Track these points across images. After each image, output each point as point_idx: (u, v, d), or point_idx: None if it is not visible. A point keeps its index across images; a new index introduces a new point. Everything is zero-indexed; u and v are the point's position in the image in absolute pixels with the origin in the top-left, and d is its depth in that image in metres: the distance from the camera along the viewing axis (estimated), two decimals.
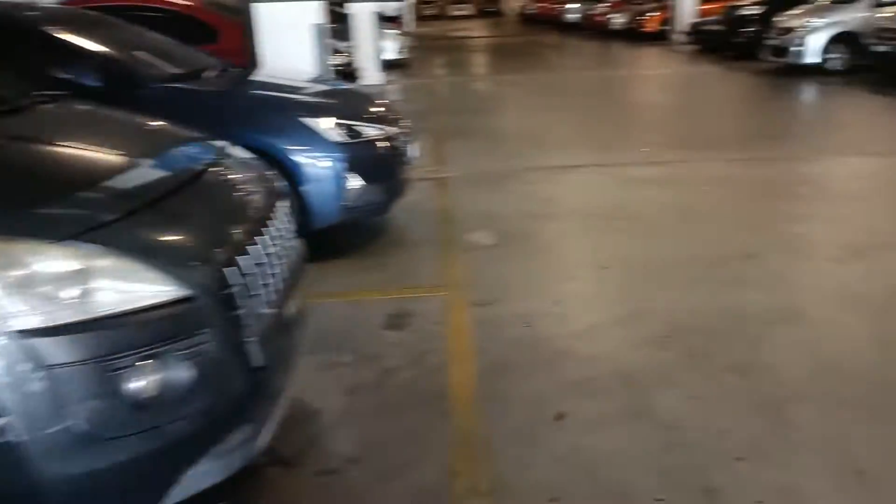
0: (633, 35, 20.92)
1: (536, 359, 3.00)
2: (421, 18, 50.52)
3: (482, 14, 54.10)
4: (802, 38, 11.45)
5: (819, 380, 2.75)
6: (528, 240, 4.47)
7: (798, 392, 2.67)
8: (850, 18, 11.22)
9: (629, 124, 8.53)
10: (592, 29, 24.90)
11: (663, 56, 16.66)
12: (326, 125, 4.08)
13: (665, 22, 19.60)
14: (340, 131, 4.09)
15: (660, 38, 19.64)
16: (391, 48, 15.43)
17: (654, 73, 14.04)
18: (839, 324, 3.20)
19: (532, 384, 2.80)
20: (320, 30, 6.58)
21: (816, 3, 12.24)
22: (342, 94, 5.06)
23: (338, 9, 15.69)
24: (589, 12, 26.04)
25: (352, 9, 13.02)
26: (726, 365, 2.88)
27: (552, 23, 31.20)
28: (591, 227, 4.73)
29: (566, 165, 6.28)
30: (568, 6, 29.45)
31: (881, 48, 10.02)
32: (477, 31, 33.50)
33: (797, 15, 11.89)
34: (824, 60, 11.41)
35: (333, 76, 7.11)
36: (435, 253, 4.32)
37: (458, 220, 4.93)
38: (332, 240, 4.21)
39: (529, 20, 36.94)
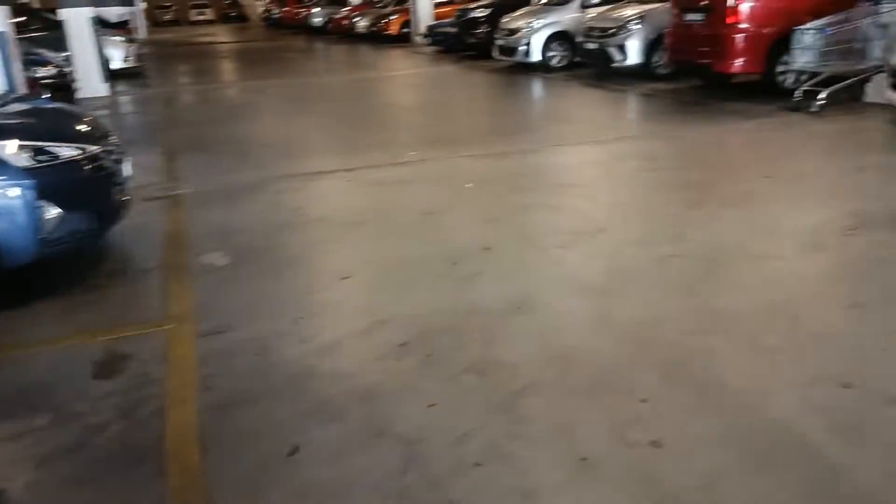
0: (378, 37, 21.26)
1: (271, 387, 2.77)
2: (158, 24, 47.48)
3: (225, 19, 52.12)
4: (526, 37, 12.30)
5: (549, 369, 2.82)
6: (268, 255, 4.20)
7: (531, 384, 2.71)
8: (564, 19, 12.25)
9: (377, 126, 8.52)
10: (338, 32, 24.94)
11: (407, 57, 17.08)
12: (8, 149, 3.50)
13: (406, 24, 20.15)
14: (27, 154, 3.53)
15: (403, 39, 20.16)
16: (118, 56, 14.16)
17: (398, 75, 14.29)
18: (566, 310, 3.33)
19: (264, 417, 2.56)
20: (2, 39, 5.73)
21: (535, 6, 13.21)
22: (32, 112, 4.40)
23: (50, 15, 14.11)
24: (334, 16, 26.04)
25: (64, 15, 11.70)
26: (465, 365, 2.86)
27: (298, 27, 30.82)
28: (336, 235, 4.57)
29: (316, 172, 6.08)
30: (313, 10, 29.24)
31: (590, 45, 11.04)
32: (220, 36, 32.12)
33: (519, 16, 12.74)
34: (548, 58, 12.36)
35: (26, 91, 6.24)
36: (161, 281, 3.89)
37: (190, 241, 4.52)
38: (38, 277, 3.63)
39: (275, 25, 36.16)
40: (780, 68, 8.35)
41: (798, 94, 7.55)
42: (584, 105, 9.50)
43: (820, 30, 7.17)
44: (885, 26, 7.23)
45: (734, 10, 8.19)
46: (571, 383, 2.71)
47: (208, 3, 53.20)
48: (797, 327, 3.04)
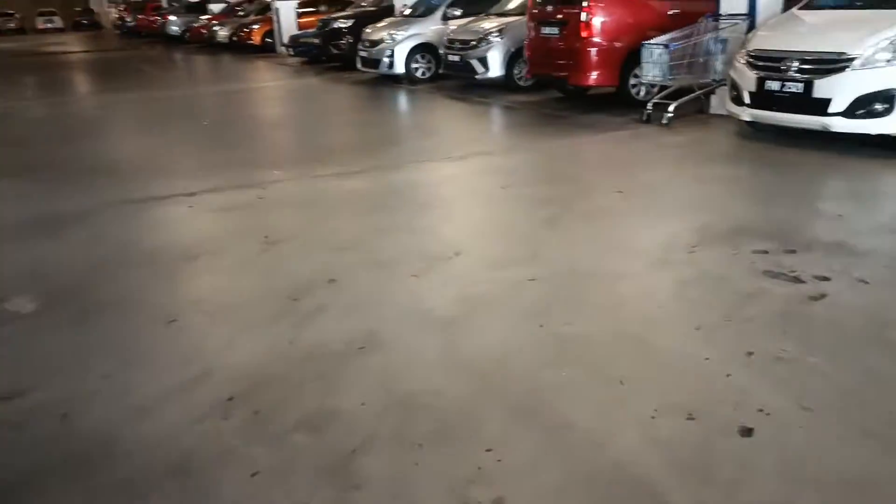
0: (240, 47, 20.50)
1: (65, 463, 2.38)
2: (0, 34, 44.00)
3: (76, 27, 48.97)
4: (389, 49, 12.13)
5: (390, 418, 2.59)
6: (84, 298, 3.74)
7: (369, 439, 2.46)
8: (426, 31, 12.17)
9: (231, 144, 8.04)
10: (198, 42, 23.90)
11: (269, 69, 16.50)
12: None
13: (269, 34, 19.53)
14: None
15: (266, 49, 19.52)
16: None
17: (259, 87, 13.74)
18: (413, 347, 3.12)
19: (60, 502, 2.18)
20: None
21: (397, 17, 13.07)
22: None
23: None
24: (192, 24, 24.93)
25: None
26: (297, 420, 2.58)
27: (155, 36, 29.32)
28: (166, 271, 4.15)
29: (155, 198, 5.58)
30: (171, 18, 27.90)
31: (453, 58, 11.01)
32: (71, 45, 30.06)
33: (382, 28, 12.55)
34: (412, 70, 12.24)
35: None
36: None
37: None
38: None
39: (129, 33, 34.22)
40: (632, 81, 8.60)
41: (649, 106, 7.77)
42: (447, 118, 9.41)
43: (665, 45, 7.40)
44: (724, 41, 7.57)
45: (587, 24, 8.35)
46: (413, 434, 2.49)
47: (56, 11, 49.82)
48: (645, 353, 2.97)
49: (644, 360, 2.93)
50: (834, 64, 5.76)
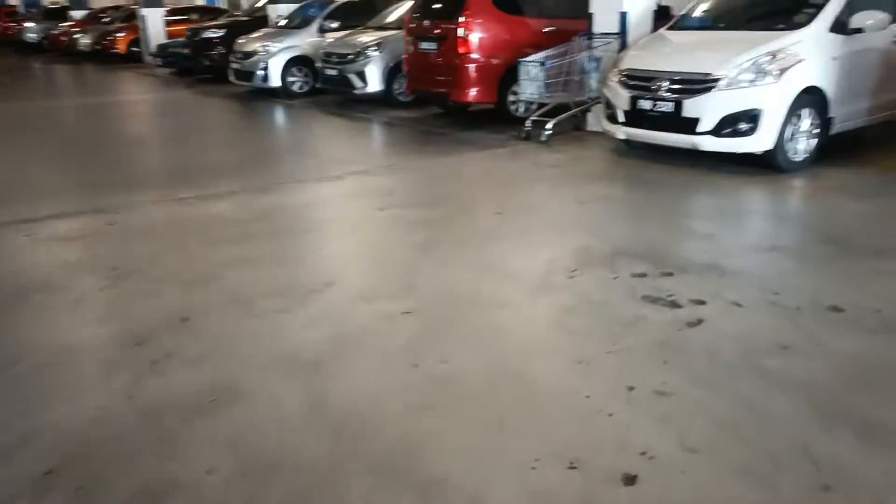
0: (104, 57, 19.29)
1: None
2: None
3: None
4: (263, 61, 11.65)
5: (240, 486, 2.26)
6: None
7: None
8: (303, 43, 11.78)
9: (87, 164, 7.37)
10: (57, 50, 22.35)
11: (136, 80, 15.55)
12: None
13: (135, 43, 18.48)
14: None
15: (133, 59, 18.45)
16: None
17: (124, 100, 12.87)
18: (274, 397, 2.80)
19: None
20: None
21: (271, 28, 12.60)
22: None
23: None
24: (51, 32, 23.29)
25: None
26: (128, 496, 2.21)
27: (9, 43, 27.21)
28: None
29: None
30: (27, 25, 25.98)
31: (330, 72, 10.69)
32: None
33: (255, 39, 12.05)
34: (288, 83, 11.81)
35: None
36: None
37: None
38: None
39: None
40: (511, 98, 8.58)
41: (528, 123, 7.75)
42: (324, 135, 9.07)
43: (541, 62, 7.41)
44: (598, 60, 7.67)
45: (465, 40, 8.26)
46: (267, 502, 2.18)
47: None
48: (525, 392, 2.79)
49: (524, 400, 2.74)
50: (701, 84, 5.89)
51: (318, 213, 5.50)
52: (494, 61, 8.38)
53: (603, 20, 7.79)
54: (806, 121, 5.93)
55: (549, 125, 7.48)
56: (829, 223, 4.81)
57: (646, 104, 6.23)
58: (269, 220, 5.24)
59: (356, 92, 10.32)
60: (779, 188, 5.62)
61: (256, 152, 7.95)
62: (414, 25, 9.06)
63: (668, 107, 6.07)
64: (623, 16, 7.60)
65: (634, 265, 4.02)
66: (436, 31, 8.65)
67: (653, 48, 6.75)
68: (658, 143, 6.32)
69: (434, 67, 8.74)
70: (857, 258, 4.10)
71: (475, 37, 8.26)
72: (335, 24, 11.76)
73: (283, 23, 12.70)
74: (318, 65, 11.06)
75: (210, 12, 19.94)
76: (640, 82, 6.30)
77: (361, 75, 10.22)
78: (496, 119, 8.70)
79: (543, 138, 7.46)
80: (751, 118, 5.74)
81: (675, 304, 3.51)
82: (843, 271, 3.93)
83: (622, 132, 6.55)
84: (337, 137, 8.81)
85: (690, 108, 5.93)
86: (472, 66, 8.32)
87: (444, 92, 8.67)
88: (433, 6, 8.99)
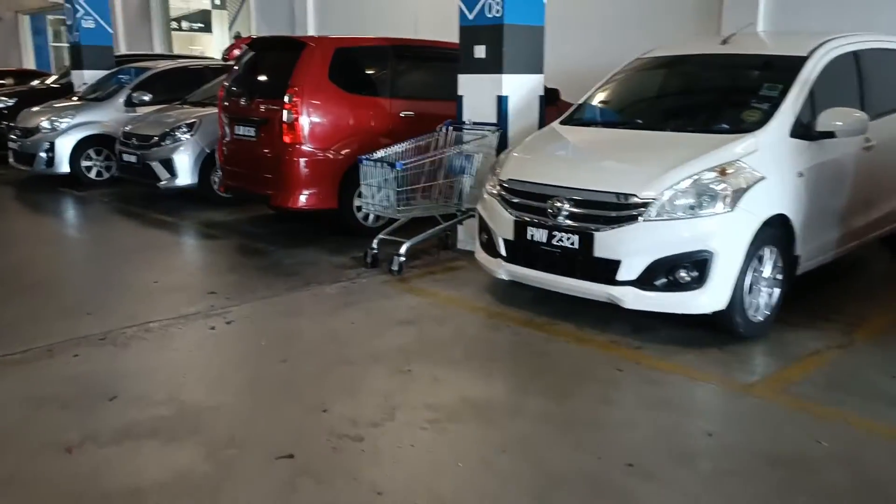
0: None
1: None
2: None
3: None
4: (48, 141, 8.99)
5: None
6: None
7: None
8: (104, 118, 9.22)
9: None
10: None
11: None
12: None
13: None
14: None
15: None
16: None
17: None
18: None
19: None
20: None
21: (66, 100, 9.96)
22: None
23: None
24: None
25: None
26: None
27: None
28: None
29: None
30: None
31: (128, 157, 8.18)
32: None
33: (41, 112, 9.38)
34: (83, 169, 9.18)
35: None
36: None
37: None
38: None
39: None
40: (358, 202, 6.39)
41: (375, 244, 5.56)
42: (87, 254, 6.49)
43: (391, 163, 5.27)
44: (470, 158, 5.65)
45: (291, 126, 6.05)
46: None
47: None
48: None
49: None
50: (619, 210, 3.91)
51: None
52: (333, 155, 6.20)
53: (475, 105, 5.81)
54: (768, 264, 4.05)
55: (403, 249, 5.32)
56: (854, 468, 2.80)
57: (539, 234, 4.18)
58: None
59: (161, 186, 7.85)
60: (745, 384, 3.64)
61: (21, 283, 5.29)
62: (229, 104, 6.79)
63: (571, 241, 4.04)
64: (502, 101, 5.65)
65: None
66: (255, 113, 6.42)
67: (545, 150, 4.78)
68: (560, 290, 4.26)
69: (253, 161, 6.47)
70: None
71: (306, 121, 6.07)
72: (147, 97, 9.29)
73: (80, 93, 10.11)
74: (118, 148, 8.51)
75: (34, 76, 16.86)
76: (529, 201, 4.27)
77: (168, 164, 7.78)
78: (339, 226, 6.48)
79: (395, 267, 5.28)
80: (696, 264, 3.79)
81: None
82: None
83: (504, 271, 4.46)
84: (105, 257, 6.18)
85: (605, 244, 3.93)
86: (301, 161, 6.10)
87: (265, 194, 6.37)
88: (253, 79, 6.79)
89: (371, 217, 6.35)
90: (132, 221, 7.47)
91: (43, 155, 8.99)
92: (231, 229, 6.93)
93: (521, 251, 4.34)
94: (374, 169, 5.34)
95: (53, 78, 13.10)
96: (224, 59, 6.74)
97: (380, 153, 5.46)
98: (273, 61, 6.70)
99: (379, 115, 6.43)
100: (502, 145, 5.60)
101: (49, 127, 9.05)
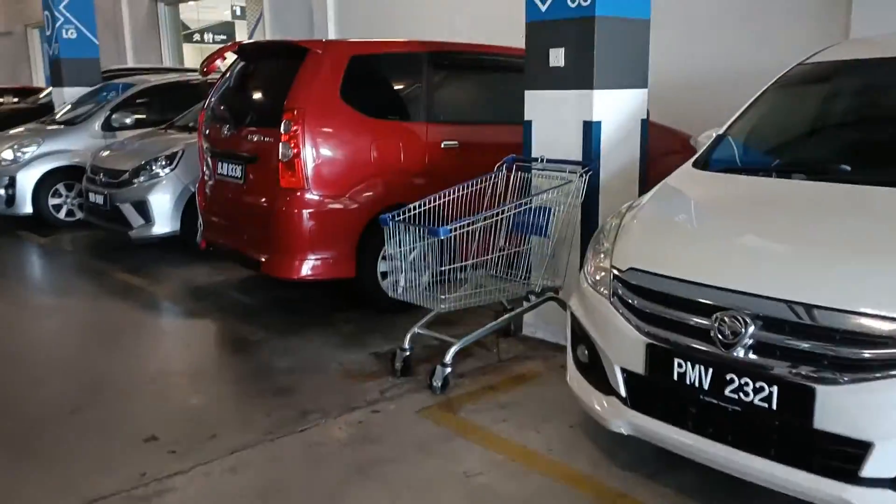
0: None
1: None
2: None
3: None
4: (8, 175, 7.38)
5: None
6: None
7: None
8: (77, 147, 7.59)
9: None
10: None
11: None
12: None
13: None
14: None
15: None
16: None
17: None
18: None
19: None
20: None
21: (32, 126, 8.32)
22: None
23: None
24: None
25: None
26: None
27: None
28: None
29: None
30: None
31: (95, 198, 6.51)
32: None
33: (2, 140, 7.78)
34: (53, 207, 7.57)
35: None
36: None
37: None
38: None
39: None
40: (383, 267, 4.62)
41: (407, 344, 3.76)
42: (18, 350, 4.78)
43: (429, 230, 3.47)
44: (547, 213, 3.84)
45: (290, 165, 4.31)
46: None
47: None
48: None
49: None
50: (874, 345, 2.08)
51: None
52: (348, 203, 4.45)
53: (551, 135, 4.02)
54: None
55: (449, 356, 3.52)
56: None
57: (695, 373, 2.37)
58: None
59: (133, 235, 6.16)
60: None
61: None
62: (209, 132, 5.09)
63: (764, 393, 2.22)
64: (592, 129, 3.85)
65: None
66: (242, 147, 4.70)
67: (691, 218, 2.95)
68: (731, 473, 2.42)
69: (240, 211, 4.75)
70: None
71: (310, 158, 4.32)
72: (130, 119, 7.64)
73: (66, 115, 8.50)
74: (84, 185, 6.86)
75: (36, 93, 15.45)
76: (676, 311, 2.44)
77: (142, 207, 6.10)
78: (358, 297, 4.73)
79: (438, 382, 3.49)
80: None
81: None
82: None
83: (625, 423, 2.63)
84: (27, 357, 4.50)
85: (839, 409, 2.10)
86: (304, 214, 4.34)
87: (255, 259, 4.62)
88: (240, 99, 5.08)
89: (400, 288, 4.55)
90: (89, 284, 5.79)
91: (1, 192, 7.38)
92: (212, 300, 5.19)
93: (659, 395, 2.53)
94: (405, 234, 3.56)
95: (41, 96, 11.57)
96: (203, 72, 4.99)
97: (414, 206, 3.69)
98: (266, 75, 4.97)
99: (411, 146, 4.67)
100: (591, 195, 3.81)
101: (10, 158, 7.44)
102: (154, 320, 4.93)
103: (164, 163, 6.13)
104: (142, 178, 6.13)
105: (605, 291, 2.73)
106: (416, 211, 3.69)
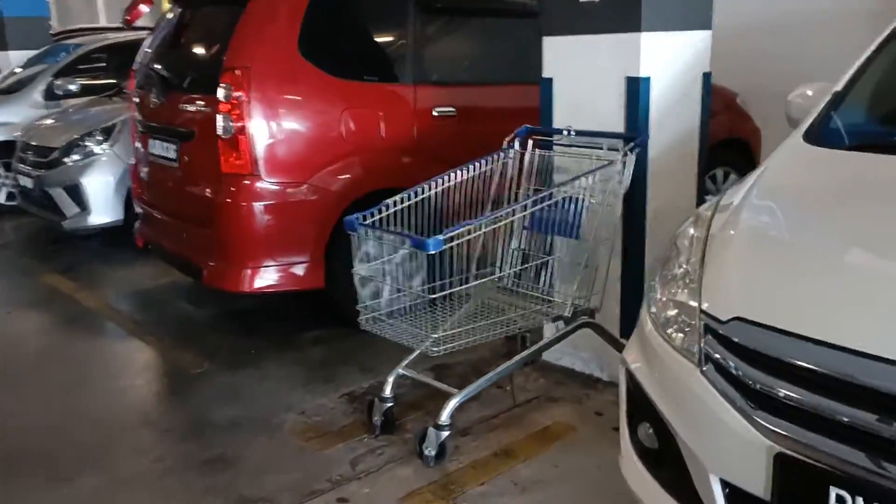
0: None
1: None
2: None
3: None
4: None
5: None
6: None
7: None
8: (15, 119, 6.49)
9: None
10: None
11: None
12: None
13: None
14: None
15: None
16: None
17: None
18: None
19: None
20: None
21: None
22: None
23: None
24: None
25: None
26: None
27: None
28: None
29: None
30: None
31: (26, 181, 5.46)
32: None
33: None
34: None
35: None
36: None
37: None
38: None
39: None
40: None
41: (388, 392, 2.73)
42: None
43: (415, 242, 2.41)
44: (575, 205, 2.77)
45: (233, 143, 3.25)
46: None
47: None
48: None
49: None
50: None
51: None
52: (312, 192, 3.39)
53: (580, 96, 2.95)
54: None
55: (445, 414, 2.49)
56: None
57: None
58: None
59: (67, 225, 5.12)
60: None
61: None
62: (139, 99, 4.01)
63: None
64: (639, 87, 2.78)
65: None
66: (174, 119, 3.63)
67: (839, 234, 1.84)
68: None
69: (176, 203, 3.71)
70: None
71: (260, 132, 3.26)
72: (75, 86, 6.53)
73: (4, 82, 7.40)
74: (13, 165, 5.80)
75: None
76: (834, 403, 1.41)
77: (75, 192, 5.04)
78: (329, 312, 3.70)
79: (431, 451, 2.48)
80: None
81: None
82: None
83: None
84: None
85: None
86: (254, 209, 3.30)
87: (196, 265, 3.58)
88: (171, 57, 3.96)
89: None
90: (5, 289, 4.77)
91: None
92: (153, 313, 4.17)
93: None
94: (379, 243, 2.51)
95: None
96: (126, 21, 3.90)
97: (393, 202, 2.64)
98: (206, 25, 3.87)
99: (394, 114, 3.58)
100: (636, 181, 2.77)
101: None
102: (70, 345, 3.87)
103: (100, 138, 5.06)
104: (75, 157, 5.08)
105: (690, 349, 1.70)
106: (398, 208, 2.64)
